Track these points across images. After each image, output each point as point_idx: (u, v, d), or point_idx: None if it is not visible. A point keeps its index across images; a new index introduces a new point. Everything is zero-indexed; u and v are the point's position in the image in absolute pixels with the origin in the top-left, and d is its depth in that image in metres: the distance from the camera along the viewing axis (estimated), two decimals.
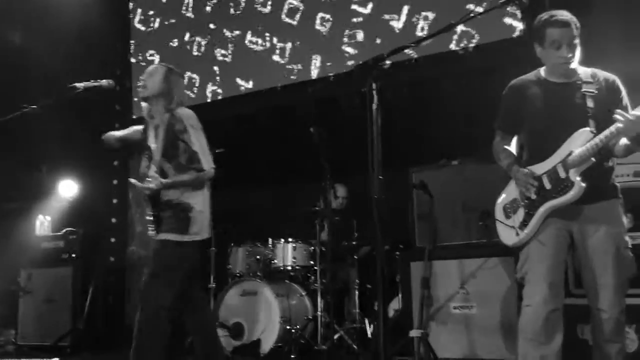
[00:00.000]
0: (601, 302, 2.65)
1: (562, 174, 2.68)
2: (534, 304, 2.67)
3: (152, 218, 3.33)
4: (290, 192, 5.92)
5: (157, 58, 6.81)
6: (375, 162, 2.28)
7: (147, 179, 3.24)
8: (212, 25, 6.59)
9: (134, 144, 3.70)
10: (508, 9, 4.90)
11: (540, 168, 2.77)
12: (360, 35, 5.68)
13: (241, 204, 6.28)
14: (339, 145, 4.68)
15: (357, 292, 5.15)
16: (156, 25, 7.00)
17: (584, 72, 2.81)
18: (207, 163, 3.36)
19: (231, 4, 6.48)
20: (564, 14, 2.74)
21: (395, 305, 4.76)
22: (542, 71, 2.88)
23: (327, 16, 5.89)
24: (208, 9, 6.65)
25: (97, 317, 5.76)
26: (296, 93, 5.95)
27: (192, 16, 6.76)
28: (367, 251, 5.27)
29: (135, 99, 3.23)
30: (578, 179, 2.63)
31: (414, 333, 3.84)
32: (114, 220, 6.97)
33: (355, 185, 5.54)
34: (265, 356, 4.60)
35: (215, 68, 6.52)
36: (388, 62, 2.39)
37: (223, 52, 6.49)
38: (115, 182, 6.93)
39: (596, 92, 2.73)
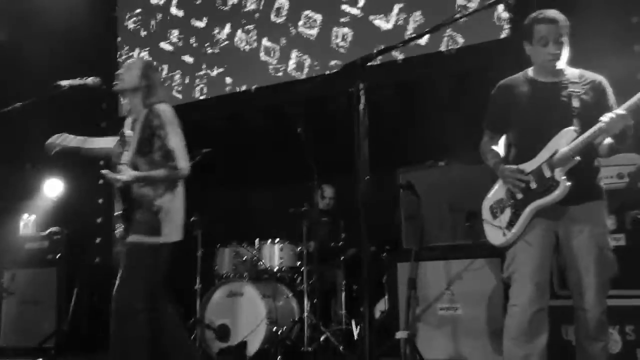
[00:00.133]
0: (585, 302, 2.68)
1: (548, 174, 2.70)
2: (520, 303, 2.69)
3: (121, 215, 3.22)
4: (277, 193, 5.91)
5: (145, 57, 6.77)
6: (362, 163, 2.28)
7: (118, 169, 3.15)
8: (200, 24, 6.58)
9: (97, 156, 3.60)
10: (497, 10, 4.95)
11: (526, 167, 2.78)
12: (348, 36, 5.68)
13: (227, 204, 6.27)
14: (326, 146, 4.68)
15: (343, 294, 5.15)
16: (144, 24, 6.97)
17: (571, 72, 2.83)
18: (182, 162, 3.23)
19: (219, 1, 6.47)
20: (552, 12, 2.78)
21: (381, 306, 4.76)
22: (530, 71, 2.91)
23: (315, 15, 5.88)
24: (197, 7, 6.63)
25: (82, 319, 5.71)
26: (284, 93, 5.95)
27: (181, 15, 6.73)
28: (354, 252, 5.28)
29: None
30: (563, 178, 2.65)
31: (400, 334, 3.84)
32: (99, 220, 6.91)
33: (342, 185, 5.54)
34: (251, 358, 4.58)
35: (204, 67, 6.50)
36: (376, 62, 2.39)
37: (212, 51, 6.48)
38: (101, 181, 6.85)
39: (582, 92, 2.76)
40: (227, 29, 6.38)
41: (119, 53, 7.07)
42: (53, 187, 6.55)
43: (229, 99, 6.32)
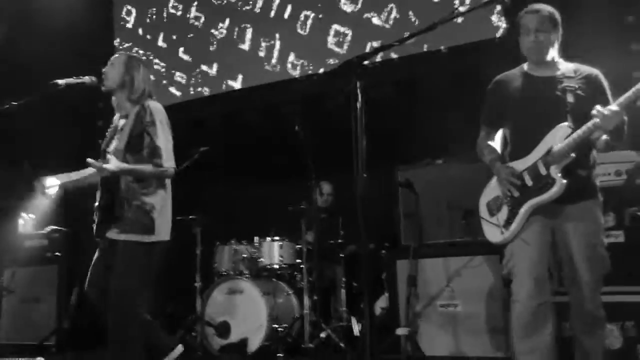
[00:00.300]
0: (579, 298, 2.70)
1: (543, 171, 2.69)
2: (520, 299, 2.70)
3: (101, 206, 3.18)
4: (275, 190, 5.91)
5: (130, 52, 6.76)
6: (360, 160, 2.28)
7: (107, 158, 3.09)
8: (197, 23, 6.57)
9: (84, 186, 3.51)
10: (495, 8, 4.94)
11: (521, 164, 2.78)
12: (346, 34, 5.68)
13: (226, 202, 6.27)
14: (324, 143, 4.68)
15: (343, 291, 5.15)
16: (142, 22, 6.96)
17: (566, 66, 2.83)
18: (169, 161, 3.19)
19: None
20: (539, 5, 2.80)
21: (382, 303, 4.77)
22: (525, 66, 2.91)
23: (314, 14, 5.88)
24: (194, 6, 6.62)
25: (83, 317, 5.71)
26: (282, 91, 5.94)
27: (179, 13, 6.72)
28: (353, 249, 5.28)
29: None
30: (559, 175, 2.65)
31: (401, 331, 3.86)
32: None
33: (340, 183, 5.54)
34: (252, 355, 4.59)
35: (201, 65, 6.49)
36: (373, 60, 2.39)
37: (209, 49, 6.47)
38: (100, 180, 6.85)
39: (577, 86, 2.75)
40: (225, 26, 6.37)
41: (116, 51, 7.06)
42: (51, 186, 6.53)
43: (227, 97, 6.32)
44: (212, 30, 6.45)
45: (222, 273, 5.11)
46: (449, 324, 3.97)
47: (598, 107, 2.56)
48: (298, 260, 5.08)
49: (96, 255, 3.30)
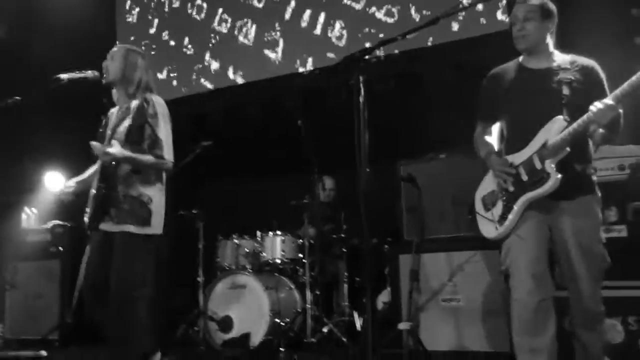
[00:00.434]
0: (578, 295, 2.67)
1: (538, 165, 2.65)
2: (519, 297, 2.68)
3: (98, 195, 3.14)
4: (278, 185, 5.91)
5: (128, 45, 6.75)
6: (363, 155, 2.27)
7: (111, 142, 3.08)
8: (200, 17, 6.56)
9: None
10: (501, 1, 4.93)
11: (517, 158, 2.74)
12: (349, 28, 5.67)
13: (229, 196, 6.27)
14: (327, 138, 4.67)
15: (346, 285, 5.16)
16: (144, 16, 6.95)
17: (562, 58, 2.79)
18: (169, 154, 3.21)
19: None
20: None
21: (384, 297, 4.77)
22: (520, 58, 2.88)
23: (317, 9, 5.86)
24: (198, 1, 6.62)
25: (86, 311, 5.71)
26: (284, 85, 5.93)
27: (181, 7, 6.71)
28: (356, 244, 5.28)
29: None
30: (554, 169, 2.61)
31: (403, 326, 3.85)
32: None
33: (343, 177, 5.54)
34: (254, 349, 4.60)
35: (203, 59, 6.49)
36: (375, 54, 2.38)
37: (211, 43, 6.46)
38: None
39: (573, 78, 2.71)
40: (228, 19, 6.36)
41: (119, 45, 7.05)
42: (53, 180, 6.55)
43: (229, 92, 6.31)
44: (214, 25, 6.44)
45: (224, 268, 5.12)
46: (451, 318, 3.97)
47: (596, 102, 2.53)
48: (300, 255, 5.09)
49: (89, 251, 3.27)
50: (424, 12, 5.27)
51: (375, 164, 2.31)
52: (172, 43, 6.73)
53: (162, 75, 6.69)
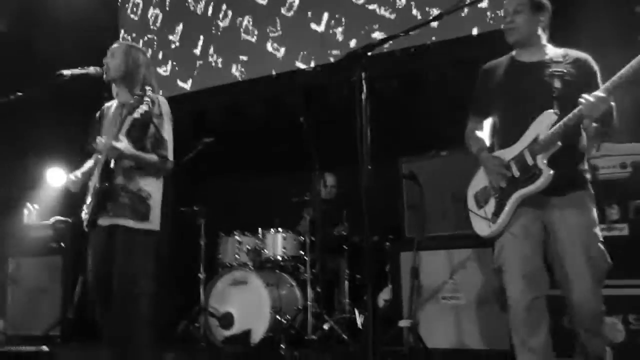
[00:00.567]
0: (575, 293, 2.60)
1: (530, 161, 2.62)
2: (512, 296, 2.66)
3: (99, 191, 3.13)
4: (279, 182, 5.91)
5: (128, 41, 6.74)
6: (364, 152, 2.27)
7: (119, 137, 3.06)
8: (203, 13, 6.55)
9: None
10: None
11: (508, 153, 2.72)
12: (351, 25, 5.66)
13: (230, 193, 6.28)
14: (328, 135, 4.67)
15: (347, 282, 5.16)
16: (146, 13, 6.95)
17: (555, 51, 2.77)
18: (170, 155, 3.23)
19: None
20: None
21: (385, 295, 4.77)
22: (514, 52, 2.87)
23: (320, 6, 5.85)
24: None
25: (87, 307, 5.73)
26: (285, 82, 5.92)
27: (184, 4, 6.71)
28: (357, 241, 5.28)
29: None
30: (546, 165, 2.58)
31: (404, 323, 3.86)
32: None
33: (344, 174, 5.53)
34: (255, 346, 4.60)
35: (206, 56, 6.48)
36: (378, 51, 2.38)
37: (214, 40, 6.46)
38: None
39: (565, 71, 2.68)
40: (230, 17, 6.35)
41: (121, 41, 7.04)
42: (56, 176, 6.56)
43: (231, 88, 6.30)
44: (218, 21, 6.43)
45: (225, 264, 5.12)
46: (451, 316, 3.97)
47: (585, 95, 2.48)
48: (301, 252, 5.09)
49: (91, 247, 3.25)
50: (427, 8, 5.26)
51: (376, 161, 2.30)
52: (175, 39, 6.72)
53: (164, 72, 6.68)
